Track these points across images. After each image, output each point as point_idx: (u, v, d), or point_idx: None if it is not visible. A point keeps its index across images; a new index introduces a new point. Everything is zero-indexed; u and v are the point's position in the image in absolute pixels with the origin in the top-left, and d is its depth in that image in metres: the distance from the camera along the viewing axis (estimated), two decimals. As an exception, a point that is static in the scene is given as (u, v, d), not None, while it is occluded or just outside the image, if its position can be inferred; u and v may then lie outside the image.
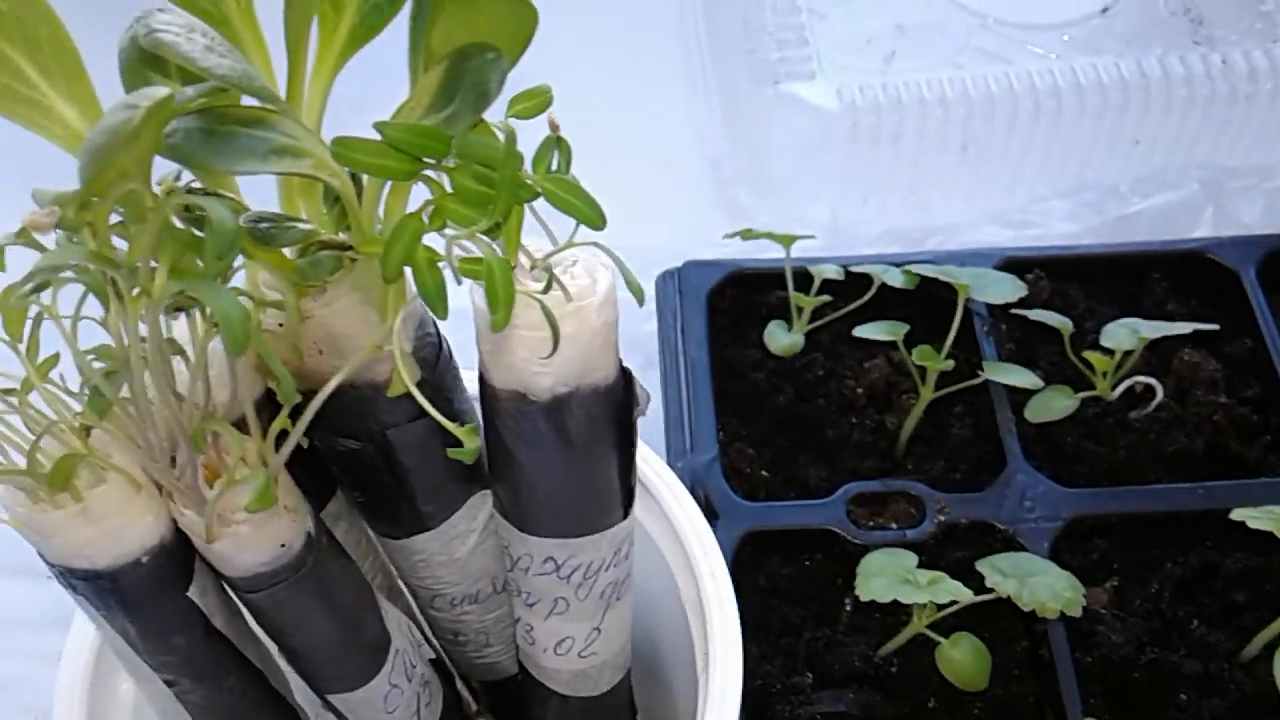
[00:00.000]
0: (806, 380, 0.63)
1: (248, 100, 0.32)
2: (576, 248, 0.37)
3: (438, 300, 0.34)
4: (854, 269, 0.61)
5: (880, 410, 0.62)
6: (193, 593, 0.37)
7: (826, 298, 0.60)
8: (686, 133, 0.91)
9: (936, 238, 0.78)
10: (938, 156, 0.84)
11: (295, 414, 0.35)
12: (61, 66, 0.30)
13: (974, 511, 0.57)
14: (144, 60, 0.35)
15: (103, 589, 0.35)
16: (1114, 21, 0.87)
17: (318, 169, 0.31)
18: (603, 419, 0.41)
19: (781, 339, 0.59)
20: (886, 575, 0.49)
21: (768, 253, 0.68)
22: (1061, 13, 0.87)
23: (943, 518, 0.56)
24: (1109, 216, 0.80)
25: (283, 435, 0.36)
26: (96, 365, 0.33)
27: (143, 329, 0.31)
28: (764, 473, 0.60)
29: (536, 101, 0.35)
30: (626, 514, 0.43)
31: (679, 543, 0.47)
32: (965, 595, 0.48)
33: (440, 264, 0.34)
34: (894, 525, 0.56)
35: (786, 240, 0.60)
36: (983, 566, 0.51)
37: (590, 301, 0.38)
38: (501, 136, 0.33)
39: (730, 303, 0.66)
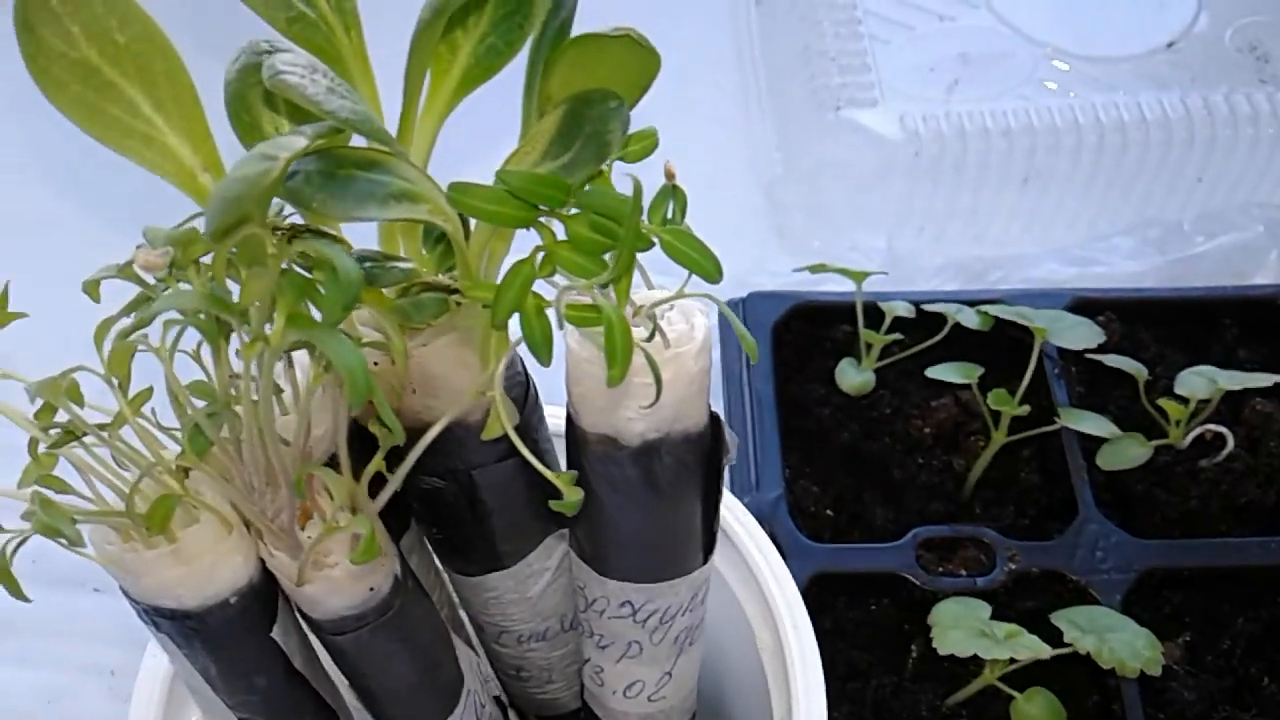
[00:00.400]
0: (872, 418, 0.62)
1: (357, 140, 0.31)
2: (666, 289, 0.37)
3: (543, 348, 0.34)
4: (926, 307, 0.60)
5: (947, 451, 0.61)
6: (276, 633, 0.36)
7: (897, 336, 0.59)
8: (740, 157, 0.90)
9: (997, 272, 0.77)
10: (998, 188, 0.83)
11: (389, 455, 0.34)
12: (177, 101, 0.30)
13: (1045, 561, 0.56)
14: (250, 91, 0.34)
15: (188, 628, 0.35)
16: (1180, 56, 0.86)
17: (434, 215, 0.31)
18: (691, 465, 0.40)
19: (853, 377, 0.58)
20: (962, 628, 0.48)
21: (829, 284, 0.67)
22: (1127, 46, 0.86)
23: (1013, 566, 0.55)
24: (1172, 256, 0.79)
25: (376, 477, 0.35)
26: (197, 403, 0.32)
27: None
28: (828, 512, 0.59)
29: (644, 145, 0.34)
30: (706, 559, 0.43)
31: (758, 588, 0.46)
32: (1044, 652, 0.47)
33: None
34: (964, 572, 0.55)
35: (858, 276, 0.59)
36: (1059, 621, 0.50)
37: (688, 349, 0.37)
38: (615, 182, 0.33)
39: (795, 335, 0.65)
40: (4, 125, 0.87)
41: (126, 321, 0.33)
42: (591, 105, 0.31)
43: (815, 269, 0.61)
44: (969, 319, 0.58)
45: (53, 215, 0.83)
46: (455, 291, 0.34)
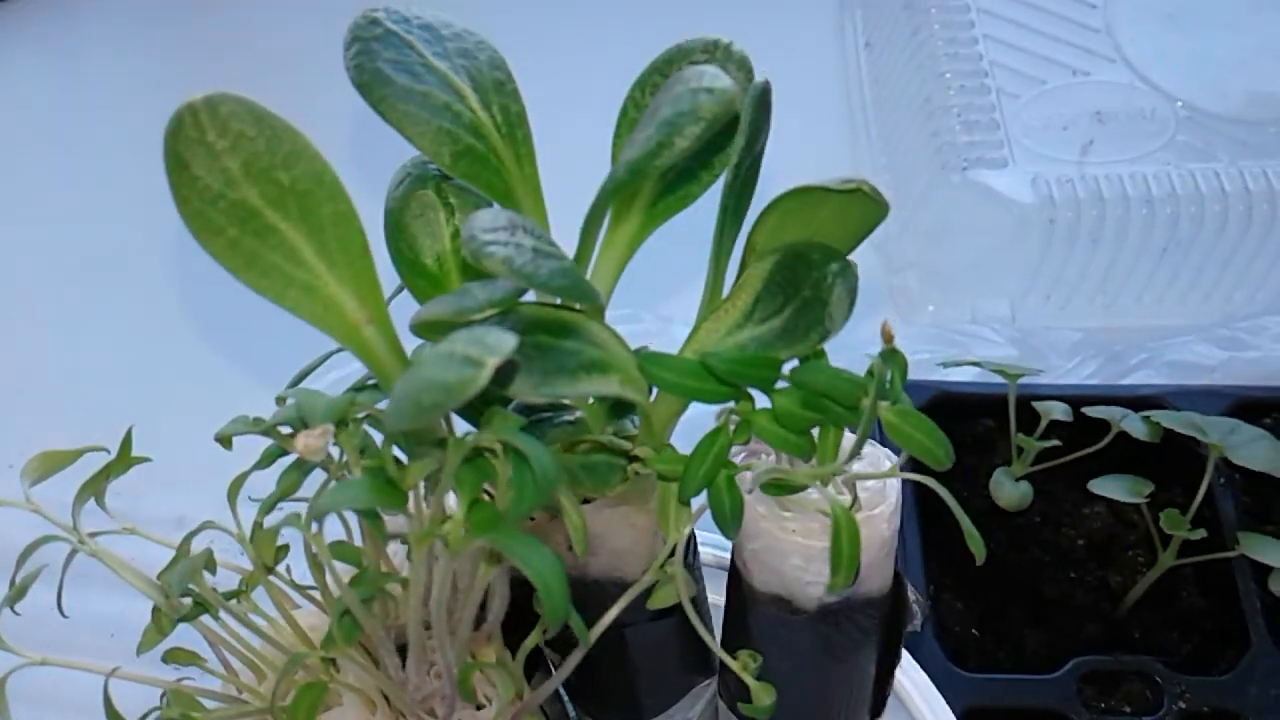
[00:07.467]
0: (1018, 525, 0.58)
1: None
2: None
3: (733, 522, 0.30)
4: (1088, 411, 0.54)
5: (1101, 565, 0.57)
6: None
7: (1055, 443, 0.54)
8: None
9: (1140, 354, 0.71)
10: (1134, 258, 0.77)
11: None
12: (344, 247, 0.26)
13: (1217, 699, 0.50)
14: (415, 221, 0.31)
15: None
16: (1336, 120, 0.80)
17: (624, 386, 0.27)
18: (870, 630, 0.36)
19: (1009, 492, 0.53)
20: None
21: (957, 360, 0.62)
22: (1278, 107, 0.80)
23: (1183, 704, 0.50)
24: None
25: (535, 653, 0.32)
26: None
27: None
28: (974, 632, 0.54)
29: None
30: (874, 721, 0.38)
31: (923, 750, 0.41)
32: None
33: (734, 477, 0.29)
34: (1127, 709, 0.50)
35: (1013, 376, 0.54)
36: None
37: (880, 511, 0.34)
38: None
39: (932, 428, 0.60)
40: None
41: (264, 478, 0.30)
42: (811, 265, 0.27)
43: (948, 364, 0.57)
44: (1135, 428, 0.53)
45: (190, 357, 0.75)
46: (633, 458, 0.30)
